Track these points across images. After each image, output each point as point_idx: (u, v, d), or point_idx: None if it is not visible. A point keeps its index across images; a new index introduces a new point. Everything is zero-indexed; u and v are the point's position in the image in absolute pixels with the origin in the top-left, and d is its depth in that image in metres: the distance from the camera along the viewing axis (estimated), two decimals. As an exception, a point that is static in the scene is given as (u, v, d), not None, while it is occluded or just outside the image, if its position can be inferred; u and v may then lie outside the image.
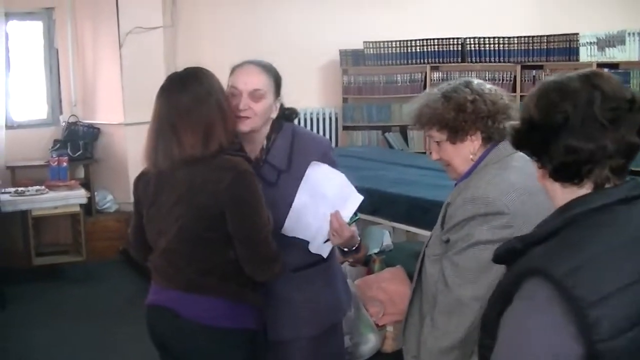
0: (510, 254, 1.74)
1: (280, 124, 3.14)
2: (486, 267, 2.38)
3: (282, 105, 3.17)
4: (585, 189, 1.70)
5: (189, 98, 2.85)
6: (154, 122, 2.92)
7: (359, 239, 3.13)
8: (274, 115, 3.10)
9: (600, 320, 1.50)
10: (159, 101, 2.92)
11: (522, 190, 2.46)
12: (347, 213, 3.01)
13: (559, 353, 1.52)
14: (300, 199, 3.03)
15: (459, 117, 2.57)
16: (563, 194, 1.73)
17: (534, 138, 1.73)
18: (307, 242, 3.11)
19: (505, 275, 1.71)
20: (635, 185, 1.74)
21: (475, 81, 2.65)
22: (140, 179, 3.04)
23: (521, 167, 2.54)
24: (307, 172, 3.03)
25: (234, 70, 3.09)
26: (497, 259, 1.81)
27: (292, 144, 3.11)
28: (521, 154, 2.64)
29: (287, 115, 3.20)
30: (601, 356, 1.50)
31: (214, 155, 2.83)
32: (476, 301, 2.40)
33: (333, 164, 3.13)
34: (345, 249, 3.14)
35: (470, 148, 2.60)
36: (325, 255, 3.13)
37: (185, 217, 2.88)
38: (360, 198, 3.05)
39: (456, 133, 2.59)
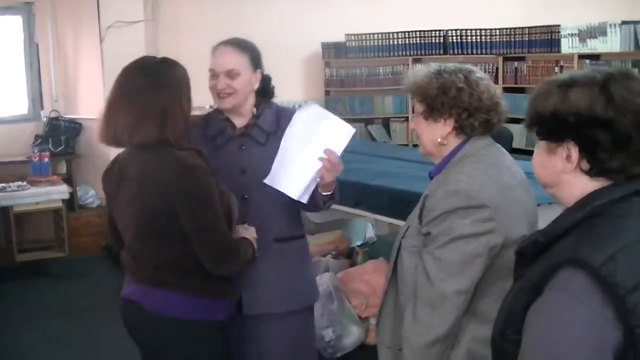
0: (532, 248, 1.76)
1: (266, 99, 3.42)
2: (469, 261, 2.41)
3: (267, 76, 3.44)
4: (608, 181, 1.74)
5: (147, 81, 2.88)
6: (110, 98, 2.92)
7: (335, 182, 3.26)
8: (256, 86, 3.36)
9: (638, 305, 1.54)
10: (118, 80, 2.93)
11: (501, 184, 2.49)
12: (339, 146, 3.17)
13: (599, 340, 1.55)
14: (287, 142, 3.18)
15: (439, 97, 2.58)
16: (584, 186, 1.75)
17: (601, 139, 1.70)
18: (288, 215, 3.37)
19: (532, 269, 1.72)
20: None
21: (477, 74, 2.65)
22: (107, 173, 3.06)
23: (498, 161, 2.59)
24: (294, 116, 3.22)
25: (212, 52, 3.33)
26: (520, 253, 1.83)
27: (278, 112, 3.41)
28: (498, 146, 2.68)
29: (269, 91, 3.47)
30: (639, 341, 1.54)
31: (163, 145, 2.85)
32: (460, 295, 2.42)
33: None
34: (325, 194, 3.24)
35: (440, 131, 2.62)
36: (305, 201, 3.19)
37: (139, 216, 2.91)
38: (351, 129, 3.23)
39: (431, 111, 2.61)
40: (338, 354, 4.55)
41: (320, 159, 3.11)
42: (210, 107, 3.84)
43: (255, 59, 3.33)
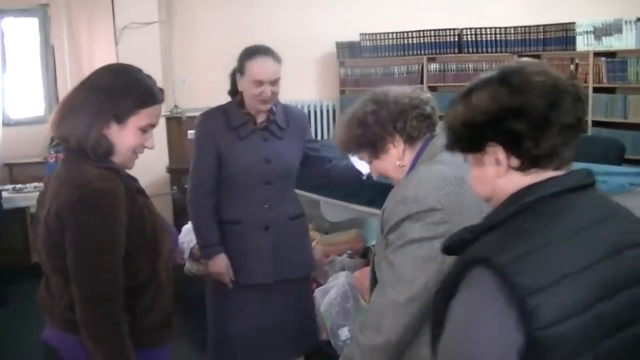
0: (460, 244, 1.71)
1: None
2: (421, 265, 2.39)
3: None
4: (546, 174, 1.71)
5: (100, 75, 2.51)
6: None
7: None
8: None
9: (539, 308, 1.50)
10: None
11: (455, 181, 2.47)
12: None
13: (503, 341, 1.52)
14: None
15: (366, 132, 2.64)
16: (519, 182, 1.71)
17: (519, 128, 1.66)
18: (295, 196, 4.15)
19: (453, 265, 1.69)
20: (585, 175, 1.74)
21: (380, 90, 2.72)
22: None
23: (453, 159, 2.51)
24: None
25: (250, 60, 3.82)
26: (448, 250, 1.77)
27: (285, 110, 4.06)
28: None
29: None
30: (541, 344, 1.50)
31: (81, 157, 2.45)
32: (412, 302, 2.39)
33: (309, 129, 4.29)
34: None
35: (396, 154, 2.65)
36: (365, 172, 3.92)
37: (46, 242, 2.47)
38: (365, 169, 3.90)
39: (374, 147, 2.67)
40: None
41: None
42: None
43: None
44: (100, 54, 8.47)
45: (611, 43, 7.75)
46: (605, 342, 1.58)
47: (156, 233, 2.54)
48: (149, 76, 2.56)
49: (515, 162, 1.70)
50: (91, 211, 2.36)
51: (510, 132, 1.67)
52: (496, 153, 1.71)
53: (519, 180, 1.71)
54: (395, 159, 2.65)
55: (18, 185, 7.57)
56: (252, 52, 3.86)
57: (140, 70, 2.56)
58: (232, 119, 3.92)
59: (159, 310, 2.58)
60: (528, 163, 1.70)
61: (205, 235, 3.99)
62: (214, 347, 4.13)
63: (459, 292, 1.61)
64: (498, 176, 1.73)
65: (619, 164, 6.04)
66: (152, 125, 2.54)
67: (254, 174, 3.90)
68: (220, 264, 3.93)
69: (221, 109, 4.00)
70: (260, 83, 3.79)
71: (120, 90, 2.45)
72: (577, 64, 7.96)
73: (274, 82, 3.83)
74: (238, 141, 3.89)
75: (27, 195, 7.40)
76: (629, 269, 1.65)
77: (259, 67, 3.81)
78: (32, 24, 8.64)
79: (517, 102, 1.67)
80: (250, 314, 3.99)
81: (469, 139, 1.75)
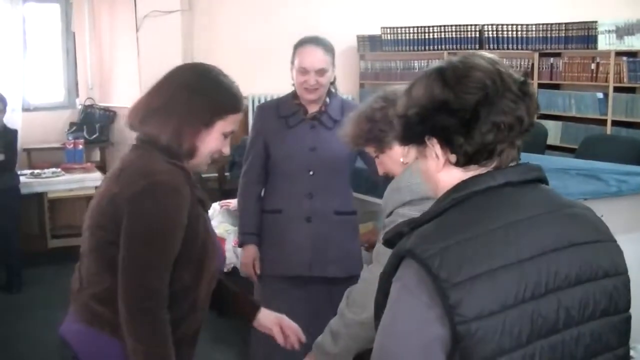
0: (398, 238, 1.67)
1: (331, 91, 3.97)
2: None
3: None
4: (482, 168, 1.68)
5: (189, 75, 2.48)
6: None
7: None
8: (332, 80, 3.91)
9: (462, 302, 1.48)
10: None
11: None
12: None
13: (424, 336, 1.50)
14: None
15: (373, 127, 2.74)
16: (459, 179, 1.68)
17: (448, 123, 1.64)
18: (346, 192, 3.98)
19: (389, 258, 1.66)
20: (528, 169, 1.71)
21: (390, 88, 2.81)
22: None
23: None
24: None
25: (298, 49, 3.86)
26: (387, 243, 1.73)
27: (342, 103, 3.99)
28: None
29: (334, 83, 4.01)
30: (465, 338, 1.48)
31: (150, 143, 2.41)
32: None
33: None
34: None
35: (400, 152, 2.71)
36: None
37: (93, 221, 2.39)
38: None
39: (380, 142, 2.77)
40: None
41: None
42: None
43: (334, 59, 3.90)
44: (121, 42, 8.51)
45: (633, 43, 7.69)
46: (540, 341, 1.54)
47: (206, 249, 2.41)
48: (231, 79, 2.51)
49: (453, 157, 1.68)
50: (153, 204, 2.26)
51: (441, 126, 1.65)
52: (434, 147, 1.69)
53: (460, 176, 1.68)
54: (400, 155, 2.71)
55: (36, 171, 7.60)
56: (302, 41, 3.91)
57: (224, 74, 2.52)
58: (282, 109, 3.95)
59: (190, 326, 2.45)
60: (464, 159, 1.67)
61: (243, 223, 4.02)
62: (252, 338, 4.03)
63: (392, 285, 1.60)
64: (437, 171, 1.71)
65: (639, 164, 6.01)
66: (233, 131, 2.50)
67: (297, 162, 3.86)
68: (247, 254, 3.93)
69: (276, 100, 4.12)
70: (304, 71, 3.80)
71: (213, 94, 2.42)
72: (598, 63, 7.91)
73: (320, 72, 3.80)
74: (285, 129, 3.90)
75: (45, 181, 7.44)
76: (569, 267, 1.60)
77: (304, 56, 3.82)
78: (53, 10, 8.68)
79: (446, 96, 1.64)
80: (285, 307, 3.85)
81: (407, 131, 1.74)
